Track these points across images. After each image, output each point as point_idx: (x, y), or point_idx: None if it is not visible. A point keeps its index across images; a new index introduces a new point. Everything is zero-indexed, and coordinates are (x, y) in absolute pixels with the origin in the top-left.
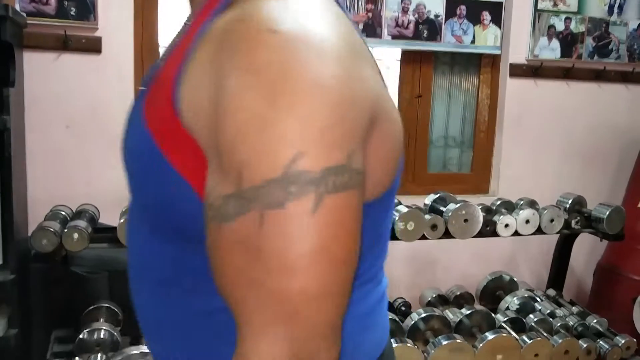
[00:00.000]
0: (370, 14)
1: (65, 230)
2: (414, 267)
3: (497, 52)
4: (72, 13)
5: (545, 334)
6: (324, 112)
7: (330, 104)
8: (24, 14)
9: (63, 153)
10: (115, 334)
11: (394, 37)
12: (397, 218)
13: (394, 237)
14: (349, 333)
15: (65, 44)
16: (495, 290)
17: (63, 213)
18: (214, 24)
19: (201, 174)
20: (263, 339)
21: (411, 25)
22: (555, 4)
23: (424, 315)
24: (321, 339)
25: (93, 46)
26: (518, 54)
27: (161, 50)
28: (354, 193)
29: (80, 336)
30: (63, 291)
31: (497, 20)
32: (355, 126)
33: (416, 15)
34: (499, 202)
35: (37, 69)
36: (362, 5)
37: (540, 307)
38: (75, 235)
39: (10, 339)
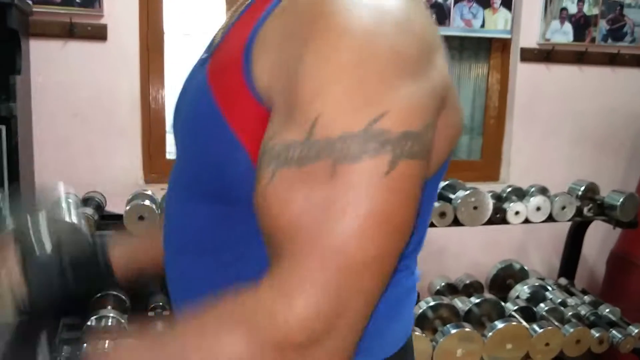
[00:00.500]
0: None
1: None
2: (423, 255)
3: (508, 36)
4: (78, 0)
5: (556, 323)
6: (408, 80)
7: (412, 74)
8: (30, 2)
9: (70, 141)
10: (122, 321)
11: None
12: None
13: None
14: (375, 317)
15: (70, 32)
16: (505, 279)
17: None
18: None
19: (258, 138)
20: (307, 283)
21: None
22: None
23: (432, 303)
24: (361, 301)
25: (99, 33)
26: (529, 38)
27: (166, 37)
28: (423, 164)
29: (88, 323)
30: None
31: (507, 3)
32: (433, 102)
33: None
34: (509, 189)
35: (43, 56)
36: None
37: (551, 296)
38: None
39: (19, 325)
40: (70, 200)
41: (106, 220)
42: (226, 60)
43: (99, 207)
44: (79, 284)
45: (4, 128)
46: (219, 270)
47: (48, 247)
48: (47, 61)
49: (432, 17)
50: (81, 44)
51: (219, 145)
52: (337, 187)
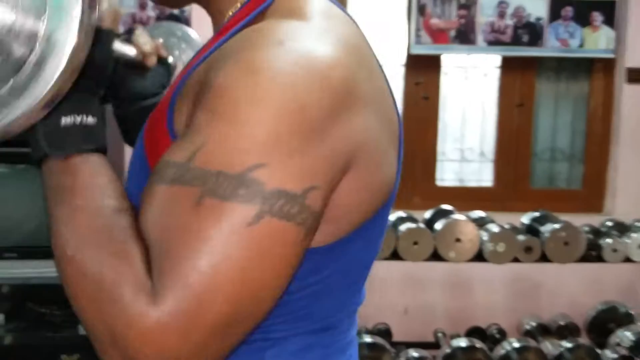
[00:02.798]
0: (463, 20)
1: None
2: (514, 290)
3: (611, 55)
4: None
5: None
6: (299, 136)
7: (308, 132)
8: None
9: None
10: None
11: (490, 43)
12: (485, 238)
13: (481, 259)
14: None
15: None
16: (606, 322)
17: None
18: (226, 42)
19: None
20: (159, 297)
21: (509, 30)
22: None
23: (517, 345)
24: (195, 337)
25: None
26: (636, 57)
27: None
28: (297, 229)
29: None
30: None
31: (610, 20)
32: (324, 165)
33: (514, 20)
34: (610, 223)
35: None
36: (454, 11)
37: None
38: None
39: None
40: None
41: None
42: (155, 115)
43: None
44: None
45: None
46: None
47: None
48: None
49: (375, 65)
50: None
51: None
52: (200, 218)
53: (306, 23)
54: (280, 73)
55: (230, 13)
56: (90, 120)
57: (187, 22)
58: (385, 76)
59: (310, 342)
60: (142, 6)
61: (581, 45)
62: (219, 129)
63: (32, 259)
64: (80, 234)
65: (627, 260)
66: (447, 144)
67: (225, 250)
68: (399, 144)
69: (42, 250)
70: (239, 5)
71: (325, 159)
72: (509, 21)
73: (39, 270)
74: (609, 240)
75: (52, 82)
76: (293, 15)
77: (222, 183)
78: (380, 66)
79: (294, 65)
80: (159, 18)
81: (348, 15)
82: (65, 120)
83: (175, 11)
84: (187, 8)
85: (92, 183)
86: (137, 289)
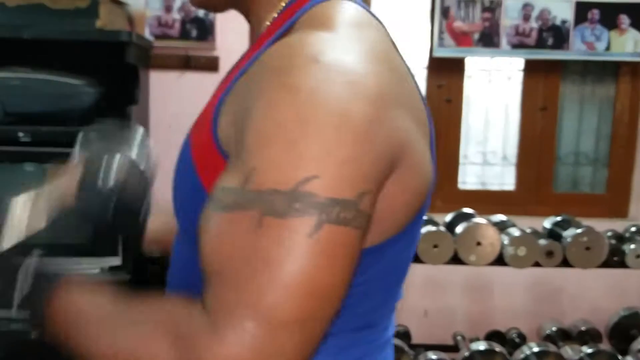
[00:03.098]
0: (487, 23)
1: None
2: (534, 295)
3: (638, 59)
4: (193, 35)
5: None
6: (346, 146)
7: (354, 140)
8: (152, 38)
9: None
10: None
11: (514, 46)
12: (506, 242)
13: (502, 263)
14: None
15: (186, 64)
16: (629, 328)
17: None
18: (265, 52)
19: None
20: (232, 328)
21: (534, 33)
22: None
23: (536, 350)
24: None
25: (211, 65)
26: None
27: None
28: (354, 233)
29: None
30: None
31: (637, 24)
32: (373, 170)
33: (539, 22)
34: (633, 229)
35: (162, 87)
36: (478, 14)
37: None
38: None
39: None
40: (144, 141)
41: None
42: (202, 120)
43: None
44: (116, 219)
45: None
46: None
47: (111, 182)
48: (165, 91)
49: (404, 69)
50: (195, 75)
51: (192, 197)
52: (262, 239)
53: (335, 34)
54: (319, 90)
55: (268, 22)
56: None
57: (211, 25)
58: (414, 79)
59: (353, 340)
60: (168, 9)
61: (607, 49)
62: (268, 150)
63: (57, 256)
64: (102, 341)
65: None
66: (470, 147)
67: (291, 265)
68: (431, 144)
69: (67, 248)
70: (275, 15)
71: (372, 163)
72: (534, 24)
73: (65, 267)
74: (632, 246)
75: None
76: (323, 26)
77: (278, 201)
78: (409, 69)
79: (330, 81)
80: (183, 22)
81: (376, 19)
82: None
83: (201, 15)
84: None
85: (80, 309)
86: (183, 337)
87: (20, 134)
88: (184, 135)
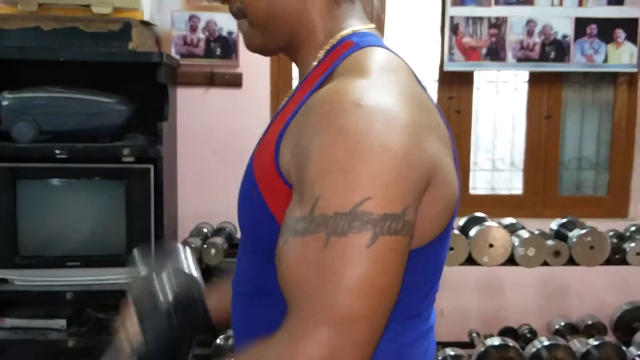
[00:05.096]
0: (493, 39)
1: (205, 246)
2: (544, 292)
3: (634, 70)
4: (217, 53)
5: None
6: (390, 171)
7: (395, 166)
8: (178, 56)
9: (208, 176)
10: None
11: (520, 59)
12: (517, 244)
13: (513, 263)
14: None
15: (211, 80)
16: (631, 322)
17: (205, 230)
18: (314, 94)
19: (284, 210)
20: (309, 337)
21: (537, 47)
22: None
23: (547, 343)
24: (354, 351)
25: (235, 81)
26: None
27: (295, 83)
28: (404, 239)
29: (217, 341)
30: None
31: (632, 37)
32: (413, 187)
33: (542, 37)
34: (633, 228)
35: (188, 102)
36: (485, 30)
37: None
38: (213, 251)
39: None
40: (188, 255)
41: (234, 248)
42: (265, 150)
43: (230, 236)
44: (184, 332)
45: (152, 167)
46: (258, 312)
47: (168, 298)
48: (191, 106)
49: (428, 103)
50: (220, 91)
51: (260, 219)
52: (329, 255)
53: (371, 80)
54: (365, 129)
55: (314, 64)
56: None
57: (234, 44)
58: (438, 108)
59: (403, 327)
60: (193, 28)
61: (605, 60)
62: (329, 181)
63: (92, 267)
64: None
65: None
66: (480, 155)
67: (354, 271)
68: (455, 162)
69: (102, 259)
70: (320, 56)
71: (412, 181)
72: (537, 39)
73: (99, 277)
74: (632, 244)
75: None
76: (359, 73)
77: (340, 222)
78: (431, 99)
79: (373, 121)
80: (208, 40)
81: (402, 60)
82: None
83: (224, 34)
84: (234, 30)
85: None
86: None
87: (57, 151)
88: (210, 148)
